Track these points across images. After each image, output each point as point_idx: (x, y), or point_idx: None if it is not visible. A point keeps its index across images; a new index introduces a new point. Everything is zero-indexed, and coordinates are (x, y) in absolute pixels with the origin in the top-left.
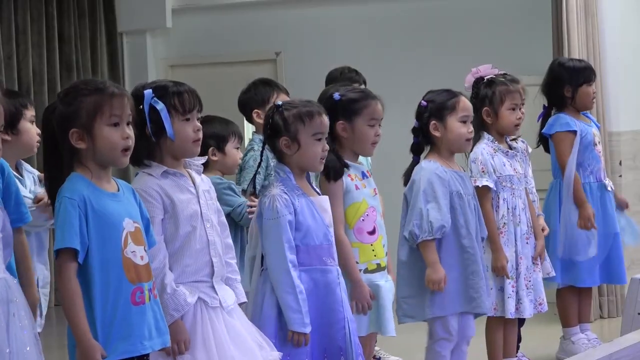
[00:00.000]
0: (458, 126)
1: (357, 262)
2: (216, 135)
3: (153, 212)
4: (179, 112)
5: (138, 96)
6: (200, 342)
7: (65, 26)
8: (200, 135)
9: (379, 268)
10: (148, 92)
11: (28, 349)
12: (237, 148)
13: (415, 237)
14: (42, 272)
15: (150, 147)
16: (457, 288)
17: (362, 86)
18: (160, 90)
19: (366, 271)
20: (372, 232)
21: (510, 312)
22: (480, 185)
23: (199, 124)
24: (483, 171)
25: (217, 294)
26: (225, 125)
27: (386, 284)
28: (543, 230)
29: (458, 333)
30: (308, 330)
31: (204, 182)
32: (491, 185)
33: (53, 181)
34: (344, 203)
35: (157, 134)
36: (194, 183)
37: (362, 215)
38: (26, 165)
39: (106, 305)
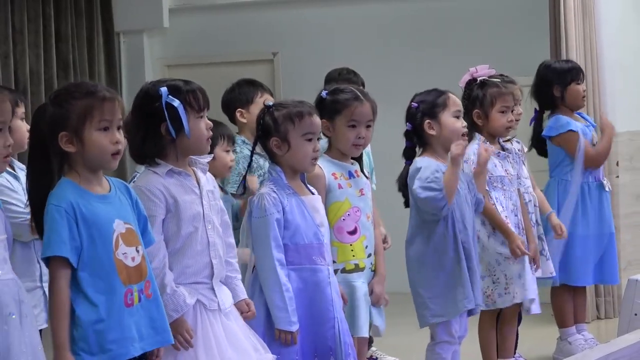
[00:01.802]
0: (452, 121)
1: (334, 262)
2: None
3: (155, 211)
4: (194, 110)
5: (149, 94)
6: (201, 345)
7: (63, 26)
8: (211, 133)
9: (357, 268)
10: (164, 89)
11: (40, 348)
12: (228, 151)
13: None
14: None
15: (160, 145)
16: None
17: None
18: (174, 88)
19: (343, 271)
20: (353, 232)
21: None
22: None
23: (210, 122)
24: None
25: (216, 296)
26: (214, 128)
27: (362, 285)
28: (561, 228)
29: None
30: (294, 328)
31: (209, 182)
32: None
33: (39, 187)
34: (326, 202)
35: (174, 131)
36: (198, 183)
37: (342, 215)
38: (18, 163)
39: (100, 308)
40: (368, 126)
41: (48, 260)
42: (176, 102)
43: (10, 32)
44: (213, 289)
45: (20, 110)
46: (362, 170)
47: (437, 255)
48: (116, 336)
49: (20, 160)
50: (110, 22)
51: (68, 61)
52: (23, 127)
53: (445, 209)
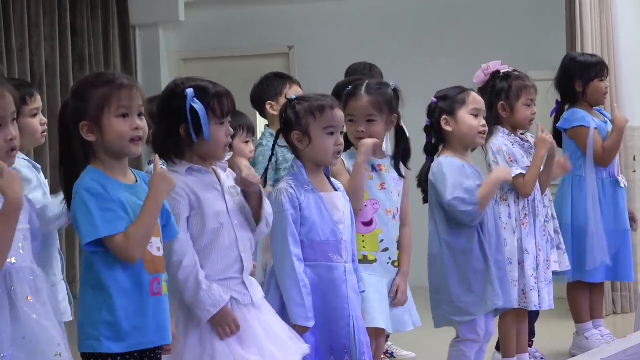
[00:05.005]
0: (469, 119)
1: None
2: None
3: (178, 209)
4: (217, 116)
5: (175, 93)
6: (236, 341)
7: (78, 19)
8: (230, 140)
9: (364, 260)
10: (190, 91)
11: (59, 345)
12: (247, 142)
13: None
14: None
15: (178, 144)
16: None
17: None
18: (201, 91)
19: None
20: (369, 224)
21: (535, 304)
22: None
23: (231, 129)
24: (511, 160)
25: (248, 290)
26: (233, 117)
27: (370, 277)
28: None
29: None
30: (310, 324)
31: (230, 179)
32: (524, 172)
33: (69, 177)
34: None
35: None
36: (219, 180)
37: None
38: (22, 155)
39: (126, 294)
40: (369, 120)
41: (103, 242)
42: (198, 106)
43: (27, 25)
44: (244, 283)
45: (29, 107)
46: (397, 168)
47: (464, 253)
48: (141, 324)
49: (36, 154)
50: (126, 15)
51: (84, 54)
52: (33, 124)
53: (478, 220)
